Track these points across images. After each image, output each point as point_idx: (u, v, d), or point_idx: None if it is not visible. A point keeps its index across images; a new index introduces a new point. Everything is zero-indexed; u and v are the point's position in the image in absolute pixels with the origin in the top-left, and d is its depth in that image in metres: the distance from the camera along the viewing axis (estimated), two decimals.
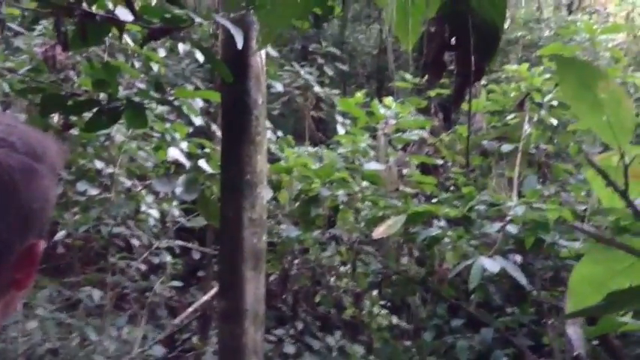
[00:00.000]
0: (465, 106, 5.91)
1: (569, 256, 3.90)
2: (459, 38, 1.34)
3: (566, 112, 5.06)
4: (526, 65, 5.11)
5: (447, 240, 4.23)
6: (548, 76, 5.03)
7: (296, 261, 5.25)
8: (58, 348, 4.47)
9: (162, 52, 5.45)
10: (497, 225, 3.78)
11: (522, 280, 3.33)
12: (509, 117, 5.23)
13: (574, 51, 5.01)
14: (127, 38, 5.03)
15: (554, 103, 5.00)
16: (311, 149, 5.86)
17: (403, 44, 1.51)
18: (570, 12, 13.10)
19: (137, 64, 5.53)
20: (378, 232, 3.87)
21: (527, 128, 4.99)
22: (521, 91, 5.08)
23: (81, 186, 4.58)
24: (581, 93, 1.04)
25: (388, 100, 5.09)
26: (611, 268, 1.04)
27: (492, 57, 1.37)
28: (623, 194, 1.04)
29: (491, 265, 3.25)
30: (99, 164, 4.69)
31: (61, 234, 4.73)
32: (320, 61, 9.29)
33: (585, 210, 4.09)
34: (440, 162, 5.25)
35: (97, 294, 4.88)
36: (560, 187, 5.42)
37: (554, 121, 5.01)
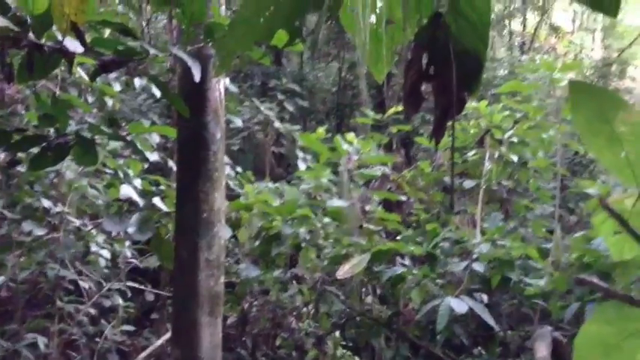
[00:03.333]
0: (425, 142, 5.92)
1: (534, 295, 3.85)
2: (438, 67, 1.25)
3: (525, 148, 5.10)
4: (485, 102, 5.15)
5: (411, 278, 4.13)
6: (507, 113, 5.08)
7: (256, 302, 5.05)
8: None
9: (117, 87, 5.28)
10: (463, 263, 3.70)
11: (490, 321, 3.24)
12: (469, 153, 5.23)
13: (532, 88, 5.08)
14: (80, 72, 4.85)
15: (514, 139, 5.03)
16: (271, 185, 5.73)
17: (375, 75, 1.42)
18: (523, 52, 13.55)
19: (91, 99, 5.34)
20: (342, 271, 3.74)
21: (487, 165, 5.00)
22: (481, 127, 5.10)
23: (26, 226, 4.30)
24: (597, 125, 0.91)
25: (350, 135, 5.03)
26: (625, 328, 0.91)
27: (475, 87, 1.28)
28: None
29: (459, 305, 3.15)
30: (46, 203, 4.43)
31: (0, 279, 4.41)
32: (280, 97, 9.26)
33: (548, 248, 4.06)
34: (403, 198, 5.19)
35: (42, 341, 4.55)
36: (519, 223, 5.44)
37: (515, 158, 5.03)
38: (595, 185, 4.58)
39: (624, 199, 1.01)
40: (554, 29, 14.77)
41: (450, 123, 1.32)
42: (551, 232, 5.33)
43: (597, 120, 0.92)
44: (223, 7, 3.38)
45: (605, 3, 1.08)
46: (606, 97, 0.94)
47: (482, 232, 4.69)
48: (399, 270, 3.94)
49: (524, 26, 15.25)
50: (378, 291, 5.01)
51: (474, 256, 3.75)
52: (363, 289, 4.81)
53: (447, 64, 1.19)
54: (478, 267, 3.63)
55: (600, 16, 16.29)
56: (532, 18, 15.21)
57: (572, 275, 3.85)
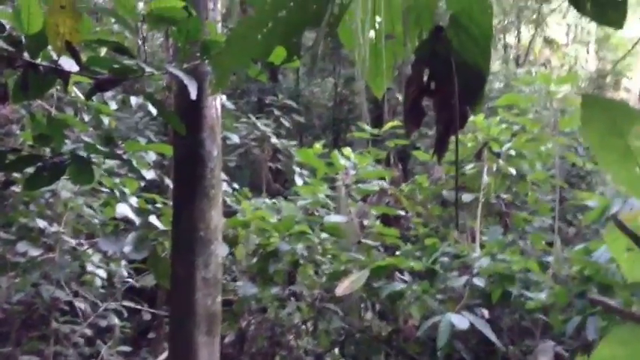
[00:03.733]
0: (422, 156, 5.90)
1: (535, 309, 3.81)
2: (439, 82, 1.23)
3: (523, 161, 5.09)
4: (482, 115, 5.14)
5: (411, 294, 4.09)
6: (504, 126, 5.07)
7: (253, 320, 4.99)
8: None
9: (113, 105, 5.27)
10: (463, 278, 3.66)
11: (492, 336, 3.19)
12: (467, 167, 5.22)
13: (529, 101, 5.09)
14: (76, 91, 4.84)
15: (512, 152, 5.02)
16: (268, 201, 5.70)
17: (374, 90, 1.40)
18: (518, 65, 13.64)
19: (87, 118, 5.32)
20: (342, 288, 3.70)
21: (485, 178, 4.98)
22: (479, 141, 5.09)
23: (21, 247, 4.25)
24: (610, 139, 0.88)
25: (347, 150, 5.02)
26: None
27: (478, 102, 1.26)
28: None
29: (460, 321, 3.11)
30: (42, 223, 4.38)
31: None
32: (276, 113, 9.27)
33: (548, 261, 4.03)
34: (402, 213, 5.16)
35: None
36: (518, 237, 5.41)
37: (513, 171, 5.01)
38: (594, 197, 4.57)
39: (638, 216, 0.98)
40: (549, 42, 14.87)
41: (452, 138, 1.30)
42: (550, 244, 5.31)
43: (610, 134, 0.89)
44: (220, 25, 3.38)
45: (610, 15, 1.07)
46: (620, 110, 0.91)
47: (482, 246, 4.66)
48: (399, 286, 3.90)
49: (519, 39, 15.37)
50: (378, 307, 4.96)
51: (474, 270, 3.71)
52: (362, 306, 4.76)
53: (449, 79, 1.17)
54: (478, 282, 3.59)
55: (594, 29, 16.43)
56: (526, 31, 15.33)
57: (573, 288, 3.82)
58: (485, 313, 3.73)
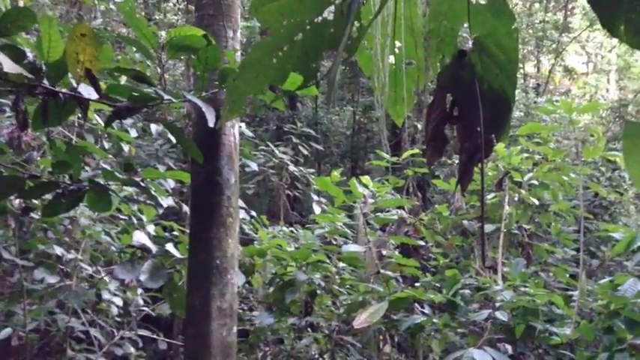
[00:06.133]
0: (441, 184, 5.83)
1: (560, 344, 3.68)
2: (463, 109, 1.18)
3: (545, 191, 4.99)
4: (503, 144, 5.07)
5: (431, 327, 3.97)
6: (525, 155, 4.99)
7: (270, 351, 4.90)
8: None
9: (134, 133, 5.31)
10: (485, 312, 3.55)
11: None
12: (488, 197, 5.12)
13: (552, 130, 5.01)
14: (97, 118, 4.89)
15: (534, 182, 4.93)
16: (286, 229, 5.65)
17: (393, 117, 1.36)
18: (538, 94, 13.57)
19: (107, 145, 5.36)
20: (359, 320, 3.61)
21: (507, 208, 4.88)
22: (500, 170, 5.00)
23: (39, 274, 4.25)
24: None
25: (366, 178, 4.96)
26: None
27: (503, 130, 1.21)
28: None
29: (482, 357, 3.00)
30: (59, 250, 4.38)
31: (6, 331, 4.29)
32: (295, 140, 9.30)
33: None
34: (421, 243, 5.06)
35: None
36: (541, 268, 5.27)
37: (535, 201, 4.91)
38: (619, 229, 4.44)
39: None
40: (569, 71, 14.80)
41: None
42: (573, 276, 5.17)
43: None
44: (239, 54, 3.39)
45: None
46: None
47: (503, 278, 4.55)
48: (419, 318, 3.79)
49: (539, 68, 15.33)
50: (397, 340, 4.85)
51: (497, 304, 3.60)
52: (381, 338, 4.65)
53: (473, 106, 1.13)
54: (501, 315, 3.48)
55: (614, 58, 16.33)
56: (546, 60, 15.29)
57: (599, 323, 3.69)
58: (509, 348, 3.61)
